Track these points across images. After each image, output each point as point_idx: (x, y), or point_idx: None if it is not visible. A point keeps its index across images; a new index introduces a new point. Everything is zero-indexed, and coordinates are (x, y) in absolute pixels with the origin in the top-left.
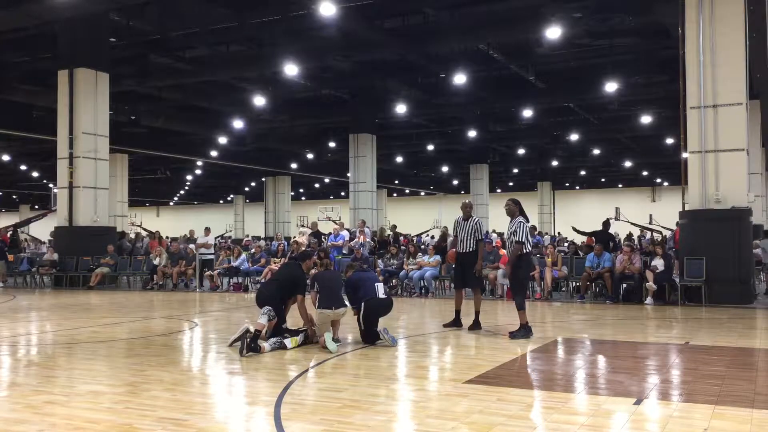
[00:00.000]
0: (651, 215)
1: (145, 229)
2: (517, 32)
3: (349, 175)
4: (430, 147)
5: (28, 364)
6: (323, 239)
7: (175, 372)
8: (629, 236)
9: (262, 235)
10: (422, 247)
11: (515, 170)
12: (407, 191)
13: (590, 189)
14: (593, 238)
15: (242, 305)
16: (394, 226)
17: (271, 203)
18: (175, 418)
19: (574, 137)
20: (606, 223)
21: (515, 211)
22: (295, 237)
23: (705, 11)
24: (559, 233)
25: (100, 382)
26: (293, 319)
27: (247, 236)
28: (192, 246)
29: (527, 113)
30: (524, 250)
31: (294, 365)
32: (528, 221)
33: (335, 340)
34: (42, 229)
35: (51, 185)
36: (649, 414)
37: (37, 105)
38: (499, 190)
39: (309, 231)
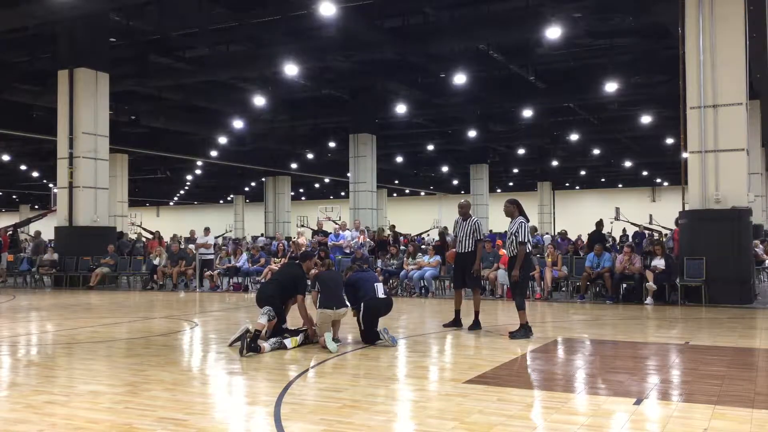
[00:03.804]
0: (651, 215)
1: (145, 230)
2: (517, 32)
3: (349, 175)
4: (430, 147)
5: (28, 364)
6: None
7: (175, 372)
8: (624, 234)
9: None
10: (422, 247)
11: (515, 170)
12: (407, 191)
13: (590, 189)
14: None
15: (242, 305)
16: (393, 226)
17: (271, 203)
18: (175, 418)
19: (574, 137)
20: (599, 224)
21: (514, 211)
22: (294, 238)
23: (705, 11)
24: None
25: (100, 382)
26: (293, 319)
27: (248, 239)
28: (192, 246)
29: (527, 113)
30: (527, 250)
31: (294, 365)
32: (528, 221)
33: (335, 340)
34: (43, 229)
35: (51, 185)
36: (649, 414)
37: (37, 105)
38: (499, 190)
39: (309, 231)
